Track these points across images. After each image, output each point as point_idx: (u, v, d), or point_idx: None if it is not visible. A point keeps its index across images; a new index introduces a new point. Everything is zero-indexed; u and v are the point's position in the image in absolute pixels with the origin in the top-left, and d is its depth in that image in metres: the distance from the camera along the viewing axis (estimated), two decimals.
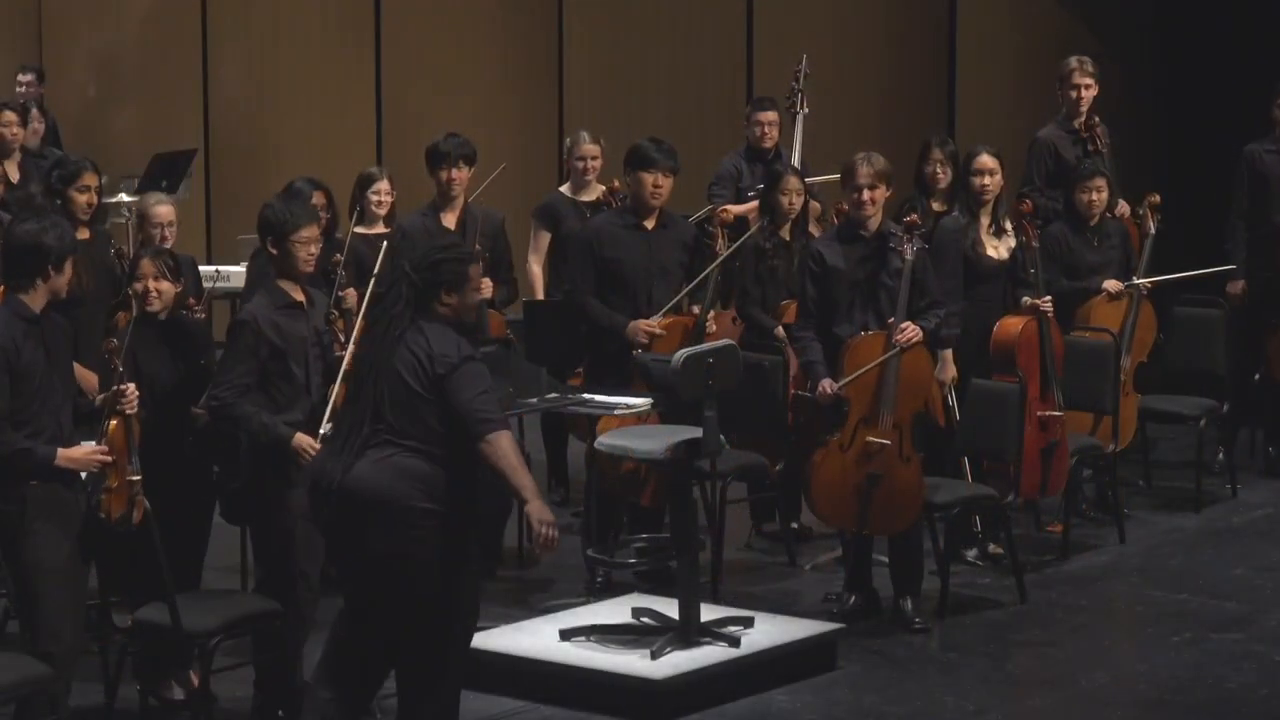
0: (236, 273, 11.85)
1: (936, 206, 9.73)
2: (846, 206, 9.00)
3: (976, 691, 7.80)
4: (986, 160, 9.45)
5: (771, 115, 10.75)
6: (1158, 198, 10.35)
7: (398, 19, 14.60)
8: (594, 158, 10.34)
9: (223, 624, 7.08)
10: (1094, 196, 9.98)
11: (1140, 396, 10.26)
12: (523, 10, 14.43)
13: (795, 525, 9.81)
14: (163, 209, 8.72)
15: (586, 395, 8.74)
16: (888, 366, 8.45)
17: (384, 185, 9.95)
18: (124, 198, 13.54)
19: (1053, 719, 7.67)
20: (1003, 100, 13.07)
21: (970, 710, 7.61)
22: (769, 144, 10.71)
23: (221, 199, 14.69)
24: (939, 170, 9.76)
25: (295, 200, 8.52)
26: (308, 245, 7.39)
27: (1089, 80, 10.53)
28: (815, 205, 10.36)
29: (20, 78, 14.22)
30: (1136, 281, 10.08)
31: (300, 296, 7.43)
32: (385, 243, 8.98)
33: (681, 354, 7.77)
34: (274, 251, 7.39)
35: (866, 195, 8.57)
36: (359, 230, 9.58)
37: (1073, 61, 10.59)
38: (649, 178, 9.17)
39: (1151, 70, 13.09)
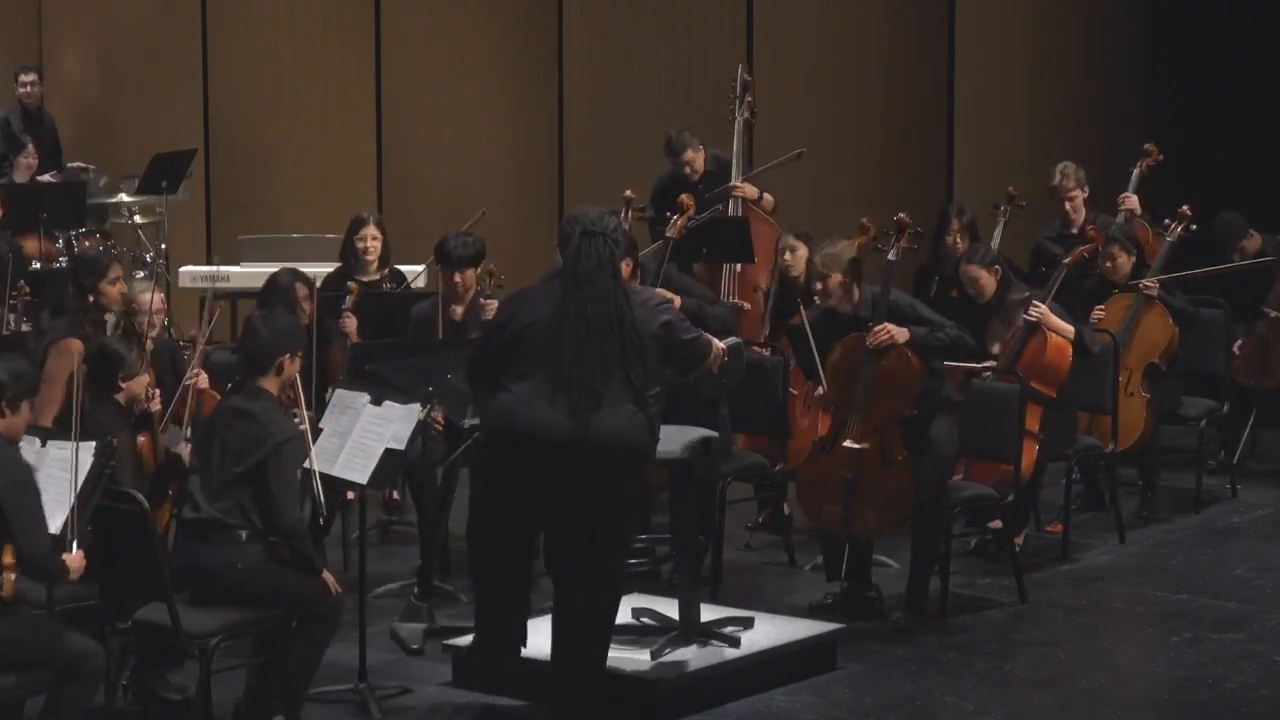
0: (236, 273, 11.86)
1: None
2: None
3: (976, 691, 7.80)
4: (974, 271, 9.42)
5: (691, 153, 10.83)
6: (1188, 209, 10.39)
7: (398, 18, 14.59)
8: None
9: (223, 625, 7.06)
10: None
11: (1148, 398, 10.21)
12: (522, 9, 14.43)
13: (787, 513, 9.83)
14: (147, 297, 8.57)
15: None
16: (860, 370, 8.46)
17: (370, 230, 9.84)
18: (124, 198, 13.55)
19: (1053, 719, 7.67)
20: (1002, 106, 13.07)
21: (970, 710, 7.61)
22: (695, 178, 10.84)
23: (221, 199, 14.67)
24: (958, 240, 10.22)
25: (284, 310, 8.43)
26: (297, 364, 7.35)
27: (1075, 190, 10.65)
28: (768, 199, 10.69)
29: (21, 77, 14.21)
30: (1141, 283, 10.12)
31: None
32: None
33: None
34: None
35: (819, 286, 8.74)
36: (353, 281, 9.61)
37: (1056, 175, 10.72)
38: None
39: (1154, 72, 13.10)
